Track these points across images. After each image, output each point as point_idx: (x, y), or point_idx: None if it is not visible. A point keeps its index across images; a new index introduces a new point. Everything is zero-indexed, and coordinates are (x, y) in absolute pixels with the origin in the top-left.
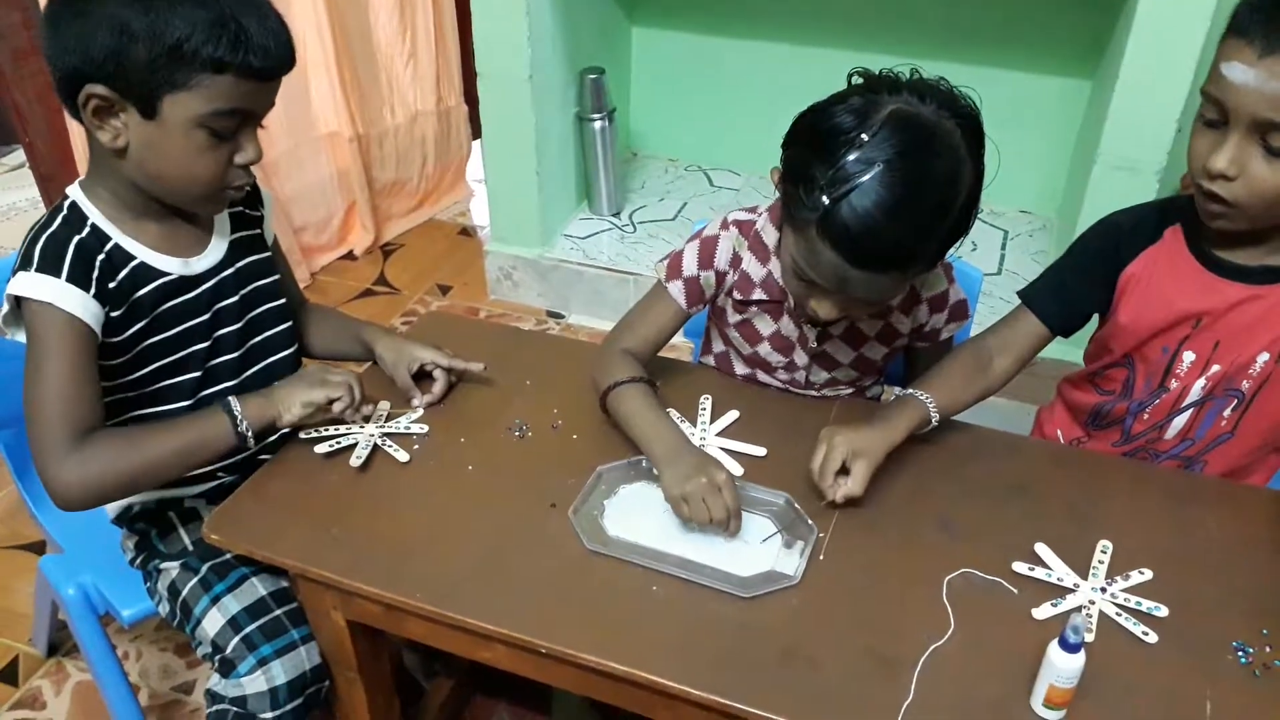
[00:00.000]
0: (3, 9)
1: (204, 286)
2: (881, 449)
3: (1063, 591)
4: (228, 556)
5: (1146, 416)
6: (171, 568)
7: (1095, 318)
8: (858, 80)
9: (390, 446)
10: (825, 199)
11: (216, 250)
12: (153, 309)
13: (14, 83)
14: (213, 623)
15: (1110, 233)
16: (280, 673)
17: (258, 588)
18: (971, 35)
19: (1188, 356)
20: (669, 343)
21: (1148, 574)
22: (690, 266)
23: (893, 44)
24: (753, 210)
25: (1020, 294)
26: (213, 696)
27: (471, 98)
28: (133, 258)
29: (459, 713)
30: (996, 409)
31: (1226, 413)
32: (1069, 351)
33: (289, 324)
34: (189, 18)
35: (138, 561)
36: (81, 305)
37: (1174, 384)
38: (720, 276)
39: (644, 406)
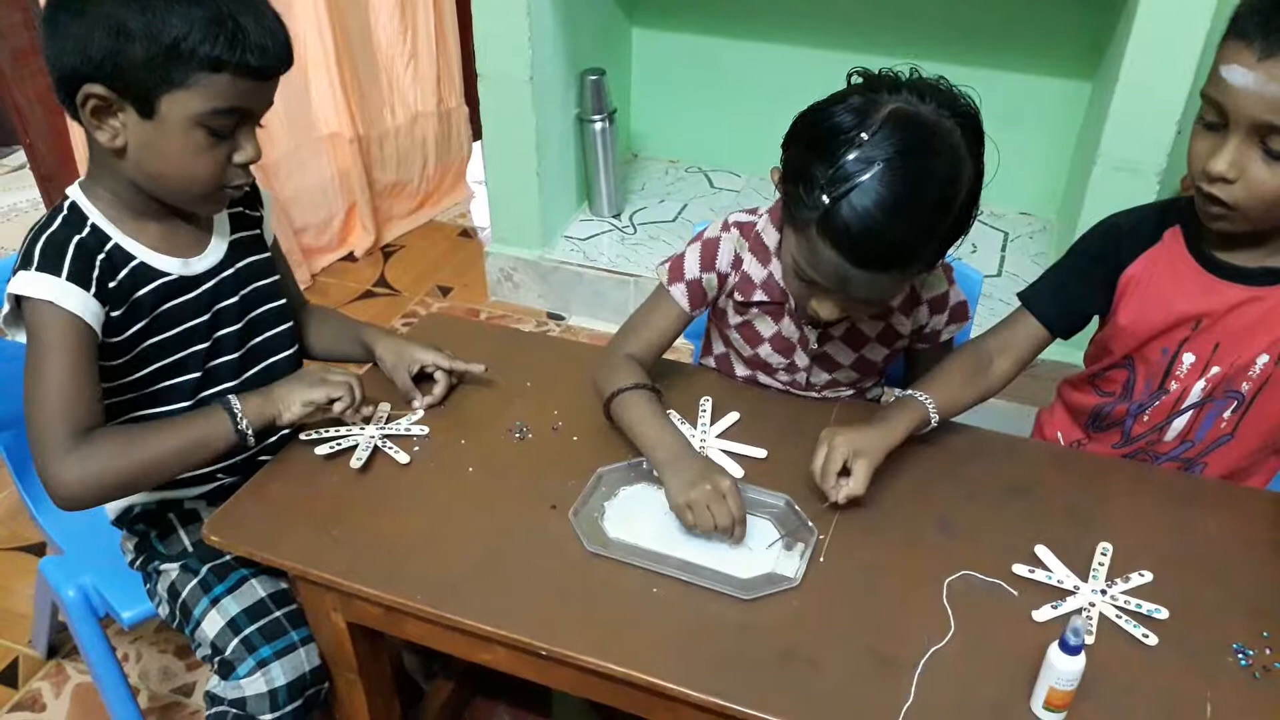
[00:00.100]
0: (3, 9)
1: (204, 287)
2: (881, 449)
3: (1063, 594)
4: (227, 558)
5: (1146, 418)
6: (171, 569)
7: (1095, 319)
8: (857, 80)
9: (391, 448)
10: (825, 198)
11: (216, 251)
12: (152, 309)
13: (14, 83)
14: (212, 624)
15: (1110, 234)
16: (280, 674)
17: (257, 589)
18: (972, 36)
19: (1187, 358)
20: (673, 346)
21: (1148, 576)
22: (692, 269)
23: (893, 45)
24: (753, 212)
25: (1020, 295)
26: (212, 698)
27: (472, 99)
28: (133, 258)
29: (459, 714)
30: (996, 411)
31: (1226, 414)
32: (1069, 353)
33: (289, 324)
34: (186, 16)
35: (137, 563)
36: (82, 304)
37: (1174, 386)
38: (722, 278)
39: (648, 413)
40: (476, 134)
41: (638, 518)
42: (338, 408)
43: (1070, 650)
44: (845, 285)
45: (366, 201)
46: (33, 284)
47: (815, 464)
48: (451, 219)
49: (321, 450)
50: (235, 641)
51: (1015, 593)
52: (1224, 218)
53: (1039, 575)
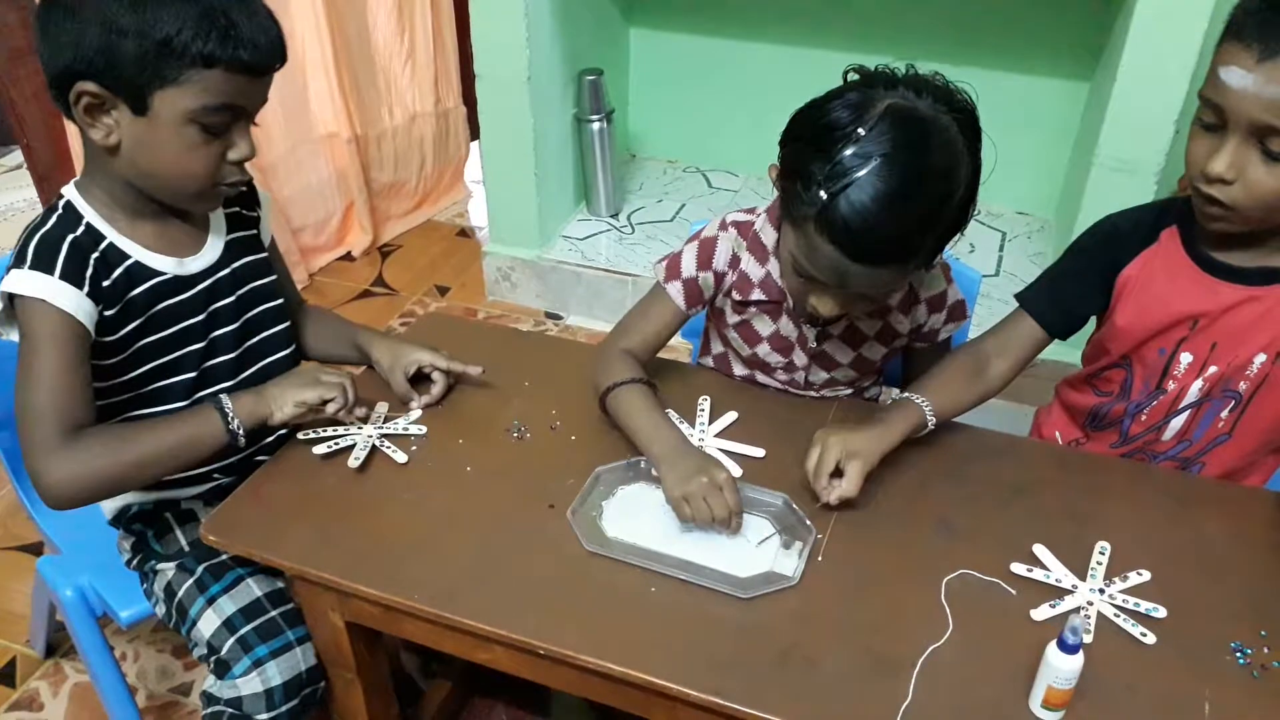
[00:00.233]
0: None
1: (199, 287)
2: (876, 451)
3: (1061, 593)
4: (223, 557)
5: (1144, 418)
6: (167, 569)
7: (1093, 319)
8: (854, 77)
9: (388, 448)
10: (823, 194)
11: (212, 250)
12: (147, 308)
13: (11, 83)
14: (208, 624)
15: (1107, 235)
16: (275, 674)
17: (253, 589)
18: (970, 36)
19: (1185, 358)
20: (671, 345)
21: (1146, 575)
22: (689, 268)
23: (891, 45)
24: (751, 211)
25: (1017, 297)
26: (208, 698)
27: (470, 99)
28: (127, 257)
29: (457, 714)
30: (995, 410)
31: (1224, 414)
32: (1067, 353)
33: (286, 325)
34: (177, 13)
35: (134, 563)
36: (75, 302)
37: (1171, 385)
38: (719, 277)
39: (643, 407)
40: (474, 134)
41: (636, 517)
42: (331, 408)
43: (1068, 649)
44: (844, 281)
45: (364, 201)
46: (25, 282)
47: (809, 464)
48: (449, 219)
49: (319, 450)
50: (231, 641)
51: (1013, 592)
52: (1223, 219)
53: (1037, 574)
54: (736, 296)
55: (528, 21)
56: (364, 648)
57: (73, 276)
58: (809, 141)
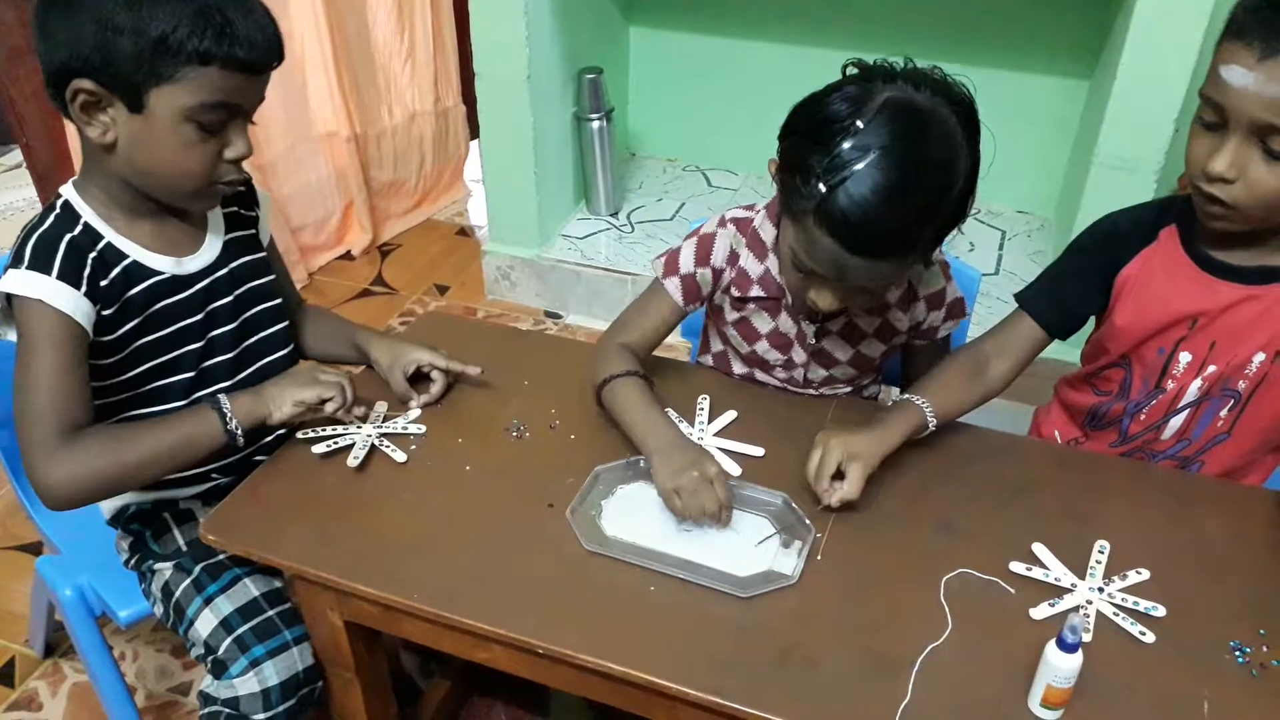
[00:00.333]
0: None
1: (197, 286)
2: (877, 453)
3: (1060, 591)
4: (221, 557)
5: (1143, 417)
6: (165, 568)
7: (1092, 319)
8: (853, 71)
9: (388, 447)
10: (822, 186)
11: (210, 250)
12: (145, 308)
13: (10, 82)
14: (205, 624)
15: (1106, 234)
16: (272, 674)
17: (250, 588)
18: (970, 35)
19: (1184, 357)
20: (670, 344)
21: (1145, 574)
22: (687, 264)
23: (891, 43)
24: (750, 208)
25: (1017, 297)
26: (205, 698)
27: (469, 98)
28: (125, 256)
29: (456, 713)
30: (994, 409)
31: (1223, 413)
32: (1067, 352)
33: (285, 325)
34: (173, 10)
35: (132, 562)
36: (72, 303)
37: (1170, 385)
38: (717, 274)
39: (637, 400)
40: (474, 133)
41: (635, 516)
42: (329, 408)
43: (1067, 648)
44: (843, 274)
45: (364, 200)
46: (23, 282)
47: (810, 466)
48: (449, 218)
49: (318, 449)
50: (228, 641)
51: (1012, 591)
52: (1224, 217)
53: (1036, 573)
54: (735, 293)
55: (527, 20)
56: (363, 647)
57: (70, 276)
58: (808, 135)
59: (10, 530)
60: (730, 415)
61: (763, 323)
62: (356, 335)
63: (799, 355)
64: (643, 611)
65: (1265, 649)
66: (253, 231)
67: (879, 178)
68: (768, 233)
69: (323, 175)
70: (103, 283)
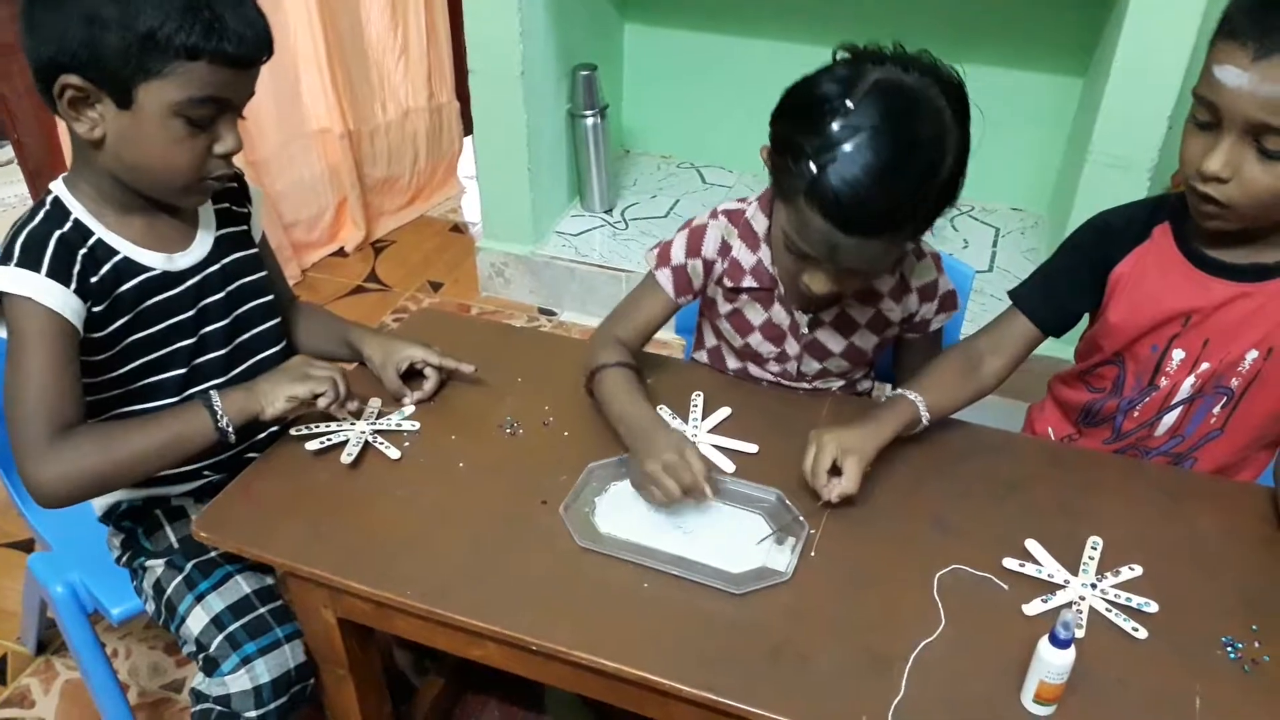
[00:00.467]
0: None
1: (189, 283)
2: (871, 446)
3: (1053, 587)
4: (212, 554)
5: (1137, 414)
6: (156, 565)
7: (1086, 316)
8: (843, 55)
9: (381, 444)
10: (813, 166)
11: (202, 246)
12: (135, 304)
13: (2, 78)
14: (197, 621)
15: (1099, 232)
16: (264, 671)
17: (242, 586)
18: (965, 32)
19: (1177, 354)
20: (664, 341)
21: (1138, 570)
22: (678, 255)
23: (885, 40)
24: (743, 200)
25: (1010, 294)
26: (197, 695)
27: (463, 94)
28: (115, 252)
29: (450, 710)
30: (988, 406)
31: (1216, 410)
32: (1060, 349)
33: (277, 321)
34: (161, 5)
35: (124, 559)
36: (62, 300)
37: (1164, 382)
38: (708, 265)
39: (621, 390)
40: (468, 129)
41: (629, 513)
42: (322, 403)
43: (1060, 644)
44: (834, 254)
45: (357, 197)
46: (11, 280)
47: (805, 464)
48: (442, 214)
49: (311, 446)
50: (219, 638)
51: (1005, 587)
52: (1218, 217)
53: (1029, 569)
54: (728, 283)
55: (521, 16)
56: (356, 644)
57: (60, 274)
58: (798, 116)
59: (1, 527)
60: (724, 412)
61: (755, 314)
62: (349, 332)
63: (792, 347)
64: (636, 608)
65: (1257, 645)
66: (245, 228)
67: (869, 157)
68: (760, 223)
69: (316, 171)
70: (93, 279)
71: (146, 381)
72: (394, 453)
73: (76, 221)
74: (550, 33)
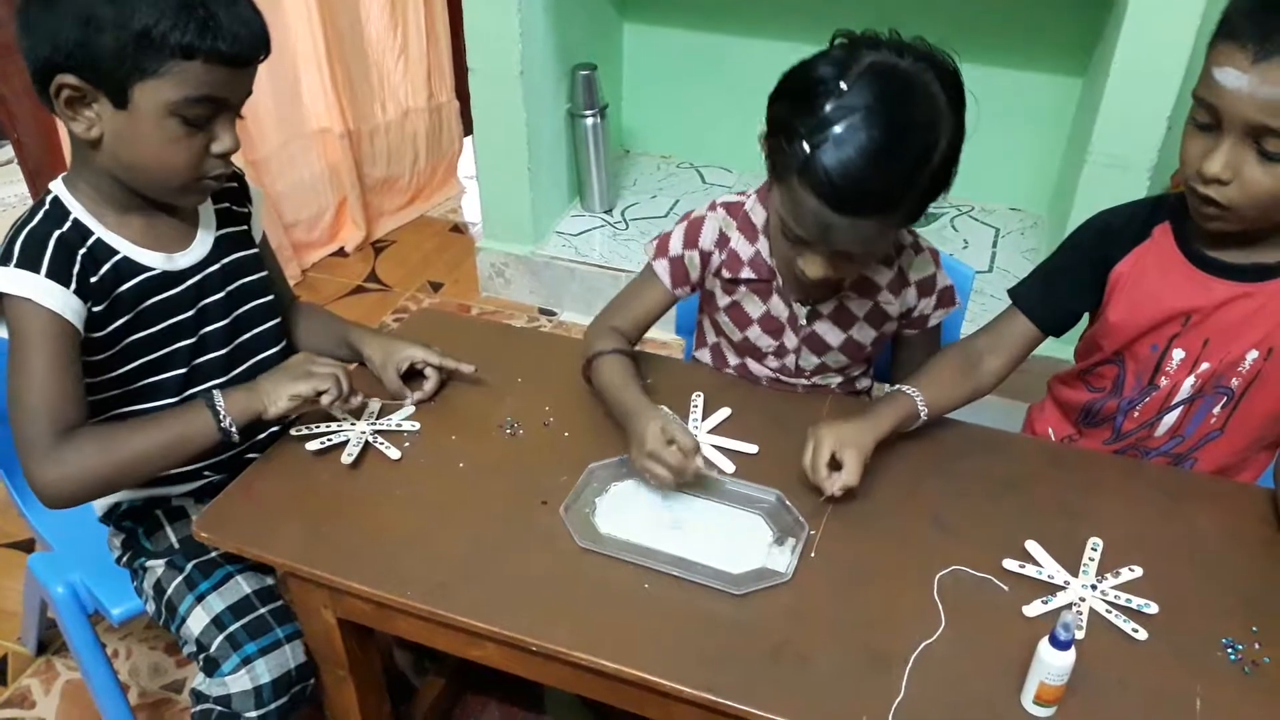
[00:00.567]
0: None
1: (188, 282)
2: (869, 438)
3: (1053, 589)
4: (213, 555)
5: (1137, 414)
6: (157, 566)
7: (1086, 316)
8: (841, 42)
9: (382, 444)
10: (806, 146)
11: (202, 246)
12: (135, 304)
13: (1, 78)
14: (197, 621)
15: (1099, 231)
16: (264, 671)
17: (242, 586)
18: (964, 32)
19: (1177, 354)
20: (664, 342)
21: (1138, 571)
22: (676, 246)
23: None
24: (743, 194)
25: (1010, 293)
26: (197, 696)
27: (463, 94)
28: (115, 252)
29: (450, 711)
30: (987, 407)
31: (1216, 410)
32: (1060, 349)
33: (277, 321)
34: (155, 4)
35: (124, 560)
36: (62, 301)
37: (1164, 382)
38: (705, 257)
39: (616, 375)
40: (467, 129)
41: (629, 513)
42: (325, 400)
43: (1060, 645)
44: (826, 235)
45: (357, 197)
46: (11, 281)
47: (805, 459)
48: (442, 214)
49: (312, 446)
50: (220, 638)
51: (1005, 588)
52: (1219, 218)
53: (1029, 570)
54: (726, 274)
55: (521, 16)
56: (356, 645)
57: (60, 274)
58: (793, 98)
59: (2, 527)
60: (724, 413)
61: (754, 307)
62: (349, 333)
63: (790, 341)
64: (636, 609)
65: (1257, 646)
66: (245, 228)
67: (861, 137)
68: (759, 215)
69: (316, 171)
70: (93, 279)
71: (146, 381)
72: (394, 453)
73: (76, 221)
74: (550, 32)
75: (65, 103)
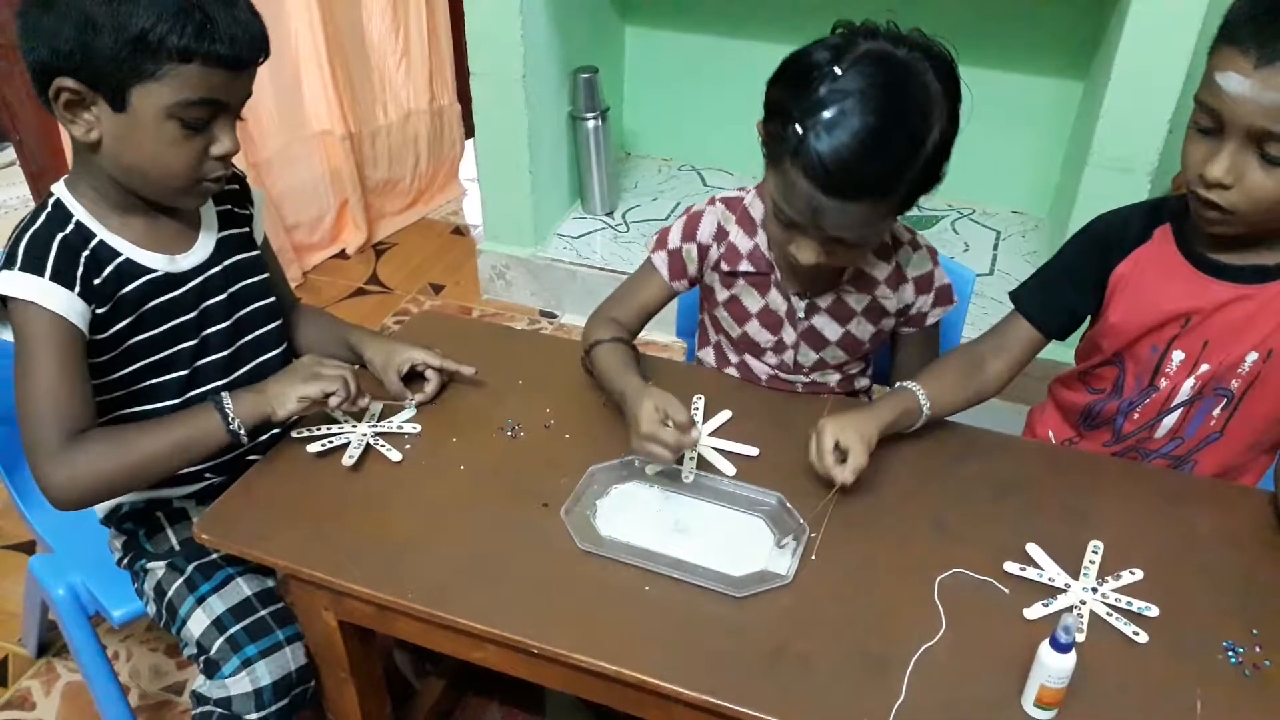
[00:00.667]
0: None
1: (190, 284)
2: (872, 426)
3: (1054, 591)
4: (213, 557)
5: (1137, 416)
6: (158, 568)
7: (1087, 317)
8: (840, 31)
9: (383, 446)
10: (799, 129)
11: (204, 248)
12: (138, 306)
13: (4, 80)
14: (198, 623)
15: (1100, 233)
16: (265, 673)
17: (243, 588)
18: (965, 36)
19: (1177, 356)
20: (666, 344)
21: (1139, 574)
22: (674, 240)
23: None
24: (742, 189)
25: (1011, 296)
26: (198, 698)
27: (464, 96)
28: (118, 254)
29: (450, 713)
30: (988, 409)
31: (1215, 412)
32: (1061, 352)
33: (279, 323)
34: (153, 7)
35: (125, 561)
36: (66, 304)
37: (1163, 383)
38: (703, 250)
39: (614, 362)
40: (469, 131)
41: (630, 515)
42: (333, 402)
43: (1061, 648)
44: (818, 218)
45: (358, 199)
46: (16, 284)
47: (810, 453)
48: (444, 216)
49: (313, 448)
50: (220, 640)
51: (1006, 590)
52: (1221, 222)
53: (1030, 573)
54: (725, 267)
55: (522, 19)
56: (357, 646)
57: (63, 277)
58: (789, 83)
59: (3, 529)
60: (725, 415)
61: (753, 301)
62: (350, 335)
63: (789, 335)
64: (637, 611)
65: (1258, 649)
66: (246, 230)
67: (854, 121)
68: (757, 210)
69: (317, 174)
70: (96, 281)
71: (148, 383)
72: (395, 455)
73: (78, 224)
74: (551, 35)
75: (64, 106)
